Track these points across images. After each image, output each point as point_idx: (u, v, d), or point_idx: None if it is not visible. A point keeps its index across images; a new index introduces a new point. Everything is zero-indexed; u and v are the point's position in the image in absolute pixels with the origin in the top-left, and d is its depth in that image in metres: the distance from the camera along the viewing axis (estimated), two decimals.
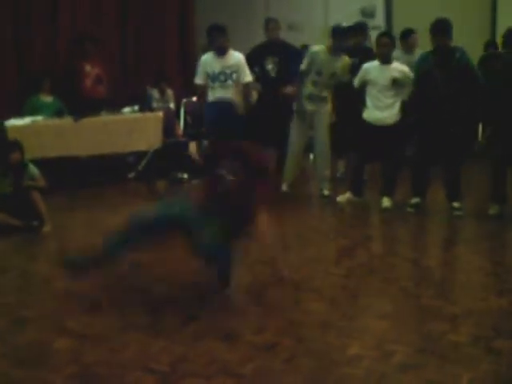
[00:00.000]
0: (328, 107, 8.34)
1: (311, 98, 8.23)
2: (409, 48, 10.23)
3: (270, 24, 9.37)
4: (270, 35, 9.31)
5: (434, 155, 7.39)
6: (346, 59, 8.31)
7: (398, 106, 7.71)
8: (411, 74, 7.75)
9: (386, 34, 8.24)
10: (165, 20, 13.17)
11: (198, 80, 8.35)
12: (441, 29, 7.33)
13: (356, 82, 7.88)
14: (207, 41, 8.42)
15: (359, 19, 11.70)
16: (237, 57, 8.19)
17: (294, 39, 8.42)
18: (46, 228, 7.29)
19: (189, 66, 12.52)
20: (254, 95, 9.17)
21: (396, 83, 7.67)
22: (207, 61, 8.23)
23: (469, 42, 11.18)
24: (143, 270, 5.66)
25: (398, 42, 10.00)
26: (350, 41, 8.59)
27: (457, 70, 7.24)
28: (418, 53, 9.49)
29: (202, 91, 8.44)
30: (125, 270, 5.78)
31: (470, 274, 5.60)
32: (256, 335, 4.28)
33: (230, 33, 8.22)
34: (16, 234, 7.14)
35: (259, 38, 8.87)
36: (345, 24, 8.34)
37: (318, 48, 8.25)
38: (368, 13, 12.47)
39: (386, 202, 7.61)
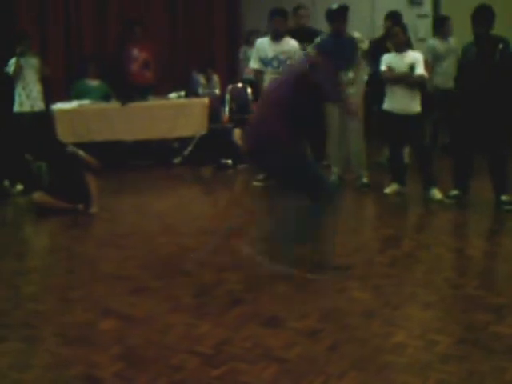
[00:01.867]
0: (358, 91, 8.23)
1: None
2: (444, 35, 10.22)
3: (301, 10, 9.29)
4: (300, 22, 9.21)
5: (475, 145, 7.33)
6: (356, 35, 8.27)
7: (418, 94, 7.71)
8: (421, 58, 7.76)
9: (397, 23, 8.16)
10: (213, 6, 13.21)
11: (253, 64, 8.30)
12: (479, 17, 7.23)
13: (383, 68, 7.84)
14: (266, 25, 8.27)
15: (407, 7, 11.64)
16: (292, 43, 8.12)
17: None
18: (94, 209, 7.39)
19: (235, 52, 12.55)
20: None
21: (411, 69, 7.65)
22: (262, 45, 8.15)
23: None
24: (188, 254, 5.69)
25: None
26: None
27: (500, 62, 7.15)
28: (454, 40, 9.47)
29: (258, 75, 8.36)
30: (170, 253, 5.85)
31: None
32: (299, 321, 4.30)
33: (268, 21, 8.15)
34: (63, 216, 7.25)
35: None
36: (334, 6, 8.16)
37: (322, 36, 8.20)
38: (416, 1, 12.36)
39: (437, 193, 7.56)
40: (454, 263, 5.75)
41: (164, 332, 4.22)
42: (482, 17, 7.20)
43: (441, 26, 10.47)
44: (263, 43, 8.16)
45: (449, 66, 9.75)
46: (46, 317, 4.57)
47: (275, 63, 8.00)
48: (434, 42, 10.36)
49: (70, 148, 7.68)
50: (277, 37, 8.04)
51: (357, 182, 8.31)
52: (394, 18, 9.10)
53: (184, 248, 5.93)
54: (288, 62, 7.94)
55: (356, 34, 8.32)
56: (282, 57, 7.99)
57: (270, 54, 8.04)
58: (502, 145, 7.25)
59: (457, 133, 7.63)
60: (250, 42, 11.79)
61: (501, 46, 7.15)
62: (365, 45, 8.34)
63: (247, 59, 11.64)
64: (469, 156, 7.37)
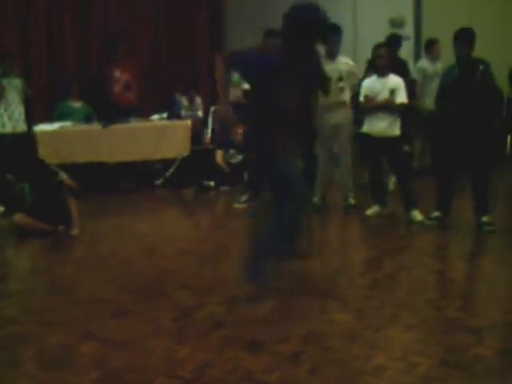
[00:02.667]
0: (347, 115, 8.30)
1: (327, 108, 8.16)
2: (433, 57, 10.35)
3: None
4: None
5: (457, 167, 7.37)
6: (347, 62, 8.31)
7: (397, 117, 7.80)
8: (403, 84, 7.83)
9: (383, 45, 8.21)
10: (196, 28, 13.25)
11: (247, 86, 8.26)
12: (461, 39, 7.31)
13: (362, 98, 7.89)
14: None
15: (389, 30, 11.71)
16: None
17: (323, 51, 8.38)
18: (75, 231, 7.37)
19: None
20: None
21: (392, 94, 7.71)
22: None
23: (499, 52, 11.19)
24: (169, 276, 5.67)
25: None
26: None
27: (480, 82, 7.22)
28: (442, 63, 9.55)
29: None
30: (151, 275, 5.83)
31: (496, 286, 5.58)
32: (280, 344, 4.28)
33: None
34: (44, 238, 7.22)
35: None
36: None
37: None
38: (397, 23, 12.45)
39: (418, 215, 7.59)
40: (435, 285, 5.75)
41: (144, 355, 4.19)
42: (464, 39, 7.27)
43: (430, 49, 10.60)
44: None
45: (435, 88, 9.82)
46: (25, 340, 4.53)
47: None
48: (424, 63, 10.49)
49: (53, 169, 7.66)
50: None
51: (344, 203, 8.35)
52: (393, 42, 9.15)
53: (164, 270, 5.91)
54: None
55: (350, 62, 8.35)
56: None
57: None
58: (484, 166, 7.29)
59: (439, 154, 7.68)
60: None
61: (481, 67, 7.21)
62: (355, 79, 8.34)
63: (230, 81, 11.64)
64: (451, 178, 7.41)
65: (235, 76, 11.68)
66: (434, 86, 9.91)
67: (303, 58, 5.22)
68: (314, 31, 5.15)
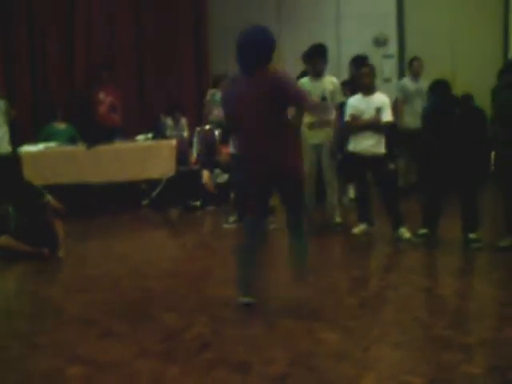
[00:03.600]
0: (331, 133, 8.29)
1: (311, 127, 8.17)
2: (414, 75, 10.41)
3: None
4: None
5: (445, 185, 7.39)
6: (331, 79, 8.29)
7: (383, 135, 7.82)
8: (388, 102, 7.90)
9: (366, 64, 8.23)
10: (181, 49, 13.28)
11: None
12: (433, 91, 7.54)
13: (347, 118, 7.90)
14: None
15: (372, 48, 11.79)
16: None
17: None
18: (60, 254, 7.33)
19: (204, 94, 12.57)
20: None
21: (378, 112, 7.76)
22: None
23: (481, 72, 11.27)
24: (155, 297, 5.63)
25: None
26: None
27: (460, 119, 7.33)
28: (425, 82, 9.58)
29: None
30: (137, 297, 5.79)
31: (484, 303, 5.56)
32: (268, 365, 4.25)
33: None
34: (29, 260, 7.17)
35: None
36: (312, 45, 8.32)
37: (304, 79, 8.28)
38: (381, 42, 12.53)
39: (406, 232, 7.59)
40: (423, 303, 5.72)
41: (132, 377, 4.15)
42: (438, 92, 7.42)
43: (410, 66, 10.68)
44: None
45: (418, 106, 9.87)
46: (11, 364, 4.48)
47: None
48: (406, 81, 10.55)
49: (39, 190, 7.61)
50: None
51: (331, 221, 8.35)
52: (358, 62, 9.14)
53: (151, 292, 5.87)
54: None
55: (334, 80, 8.35)
56: None
57: None
58: (471, 183, 7.31)
59: (424, 172, 7.70)
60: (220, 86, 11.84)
61: (457, 111, 7.33)
62: (339, 97, 8.36)
63: (215, 102, 11.70)
64: (436, 195, 7.42)
65: (217, 96, 11.76)
66: (416, 104, 10.01)
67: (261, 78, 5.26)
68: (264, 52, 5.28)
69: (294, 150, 5.35)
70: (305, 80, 8.25)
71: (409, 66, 10.90)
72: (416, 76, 10.57)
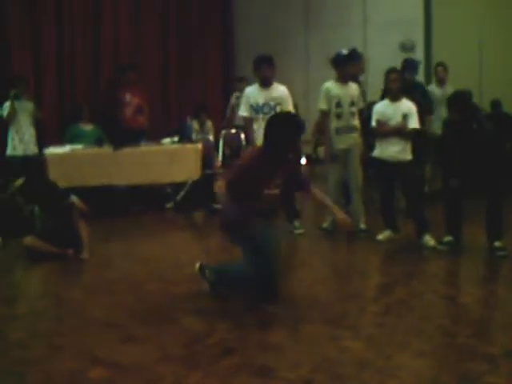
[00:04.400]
0: (358, 139, 8.31)
1: (339, 131, 8.21)
2: (440, 81, 10.35)
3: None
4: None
5: (465, 192, 7.34)
6: (355, 86, 8.41)
7: (409, 142, 7.79)
8: (415, 109, 7.85)
9: (395, 69, 8.20)
10: (207, 51, 13.32)
11: (242, 112, 8.29)
12: (452, 105, 7.39)
13: (374, 123, 7.88)
14: (254, 72, 8.28)
15: (399, 54, 11.74)
16: (281, 90, 8.12)
17: (333, 74, 8.39)
18: (85, 255, 7.35)
19: (229, 97, 12.61)
20: None
21: (404, 118, 7.75)
22: (251, 93, 8.16)
23: (508, 76, 11.20)
24: (178, 301, 5.63)
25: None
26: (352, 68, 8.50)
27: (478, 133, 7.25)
28: (450, 88, 9.52)
29: (247, 123, 8.33)
30: (161, 300, 5.79)
31: (509, 312, 5.51)
32: (291, 371, 4.23)
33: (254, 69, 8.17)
34: (54, 261, 7.21)
35: (299, 75, 8.80)
36: (344, 51, 8.33)
37: (328, 83, 8.31)
38: (408, 47, 12.49)
39: (430, 240, 7.55)
40: (447, 311, 5.69)
41: (153, 382, 4.14)
42: (456, 105, 7.34)
43: (435, 72, 10.64)
44: (253, 90, 8.16)
45: (444, 112, 9.81)
46: (32, 364, 4.49)
47: (266, 109, 7.98)
48: (432, 87, 10.50)
49: (64, 192, 7.65)
50: (266, 84, 8.06)
51: (354, 228, 8.33)
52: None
53: (174, 295, 5.87)
54: (278, 108, 7.94)
55: (357, 86, 8.38)
56: (272, 103, 7.99)
57: (261, 101, 8.03)
58: (497, 190, 7.24)
59: (447, 179, 7.64)
60: (240, 88, 11.91)
61: (474, 126, 7.23)
62: (361, 103, 8.38)
63: (238, 104, 11.73)
64: (459, 202, 7.36)
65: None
66: (442, 110, 9.95)
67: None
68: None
69: None
70: (331, 85, 8.24)
71: (434, 71, 10.86)
72: (441, 82, 10.52)
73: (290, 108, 8.03)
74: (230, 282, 5.69)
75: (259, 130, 7.84)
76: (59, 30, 11.31)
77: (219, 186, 10.28)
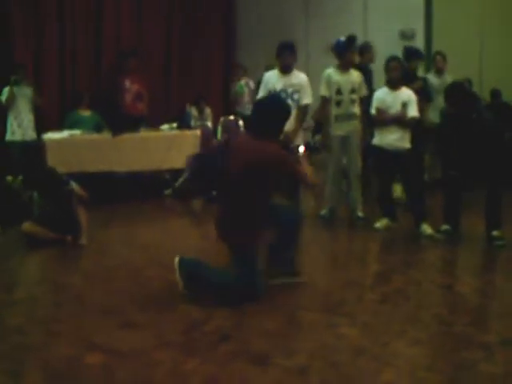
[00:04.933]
0: (358, 126, 8.31)
1: (338, 118, 8.22)
2: (438, 70, 10.32)
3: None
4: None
5: (465, 181, 7.35)
6: (356, 73, 8.41)
7: (408, 130, 7.82)
8: (414, 97, 7.87)
9: (395, 58, 8.19)
10: (208, 39, 13.31)
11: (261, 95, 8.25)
12: (449, 97, 7.40)
13: (373, 111, 7.89)
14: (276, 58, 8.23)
15: (399, 42, 11.71)
16: (301, 77, 8.06)
17: (332, 63, 8.39)
18: (83, 241, 7.36)
19: (229, 85, 12.66)
20: (309, 120, 9.16)
21: (404, 107, 7.76)
22: (270, 77, 8.11)
23: (509, 66, 11.20)
24: (177, 288, 5.64)
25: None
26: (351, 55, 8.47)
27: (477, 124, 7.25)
28: (449, 77, 9.51)
29: None
30: (159, 287, 5.81)
31: (506, 301, 5.53)
32: (287, 358, 4.26)
33: (269, 57, 8.14)
34: (52, 247, 7.22)
35: (299, 62, 8.74)
36: (343, 38, 8.32)
37: (329, 70, 8.33)
38: (408, 35, 12.46)
39: (428, 229, 7.56)
40: (443, 300, 5.70)
41: (151, 368, 4.16)
42: (452, 99, 7.33)
43: (433, 62, 10.61)
44: (272, 76, 8.09)
45: (441, 102, 9.81)
46: (30, 350, 4.51)
47: (283, 95, 7.91)
48: (430, 76, 10.45)
49: (63, 178, 7.64)
50: (286, 70, 8.00)
51: (352, 216, 8.35)
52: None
53: (172, 282, 5.87)
54: (295, 96, 7.90)
55: (359, 73, 8.40)
56: (290, 90, 7.94)
57: (279, 87, 7.97)
58: (497, 180, 7.25)
59: (447, 168, 7.65)
60: (238, 76, 11.95)
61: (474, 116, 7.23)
62: (364, 90, 8.36)
63: (237, 93, 11.79)
64: (458, 191, 7.38)
65: (239, 85, 11.83)
66: (440, 99, 9.92)
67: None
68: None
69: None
70: (332, 71, 8.24)
71: (432, 60, 10.84)
72: (440, 71, 10.50)
73: (308, 96, 7.96)
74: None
75: None
76: (60, 16, 11.26)
77: None
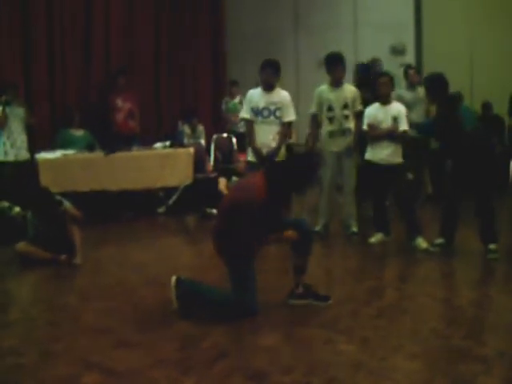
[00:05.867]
0: (352, 142, 8.31)
1: (331, 135, 8.25)
2: (410, 84, 10.36)
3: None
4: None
5: (462, 195, 7.35)
6: (351, 88, 8.44)
7: (400, 145, 7.84)
8: (405, 111, 7.96)
9: (385, 73, 8.24)
10: (198, 58, 13.33)
11: (243, 114, 8.25)
12: (430, 87, 7.54)
13: (365, 127, 7.91)
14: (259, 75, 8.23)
15: (389, 57, 11.77)
16: (283, 95, 8.09)
17: (323, 78, 8.41)
18: (77, 260, 7.34)
19: (220, 102, 12.68)
20: (294, 136, 9.17)
21: (395, 121, 7.77)
22: (253, 95, 8.13)
23: (499, 79, 11.25)
24: (172, 307, 5.62)
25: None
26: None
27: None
28: (422, 90, 9.56)
29: (248, 125, 8.22)
30: (154, 305, 5.79)
31: (502, 314, 5.53)
32: (285, 375, 4.23)
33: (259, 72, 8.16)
34: (46, 267, 7.19)
35: (289, 78, 8.77)
36: (330, 53, 8.37)
37: (321, 87, 8.38)
38: (398, 50, 12.52)
39: (423, 243, 7.57)
40: (440, 313, 5.70)
41: None
42: (434, 88, 7.46)
43: (407, 76, 10.65)
44: (255, 94, 8.12)
45: (417, 116, 9.84)
46: (26, 371, 4.47)
47: (265, 113, 7.96)
48: (401, 91, 10.42)
49: (56, 198, 7.63)
50: (268, 88, 8.04)
51: (346, 231, 8.35)
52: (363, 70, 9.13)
53: (167, 300, 5.85)
54: (278, 113, 7.94)
55: (353, 88, 8.42)
56: (272, 107, 7.97)
57: (261, 105, 8.01)
58: (486, 193, 7.26)
59: (444, 183, 7.68)
60: (232, 93, 11.98)
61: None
62: (358, 105, 8.36)
63: (227, 110, 11.82)
64: (455, 204, 7.39)
65: (232, 103, 11.85)
66: (414, 113, 9.92)
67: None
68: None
69: None
70: (323, 88, 8.28)
71: (404, 74, 10.83)
72: (412, 85, 10.52)
73: (291, 114, 8.02)
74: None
75: (258, 133, 8.01)
76: (49, 34, 11.24)
77: (222, 184, 10.31)
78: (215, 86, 13.82)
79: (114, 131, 11.24)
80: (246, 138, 8.35)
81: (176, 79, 13.03)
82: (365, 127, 7.92)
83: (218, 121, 12.89)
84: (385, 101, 7.86)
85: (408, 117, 9.81)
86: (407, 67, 10.85)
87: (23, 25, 10.95)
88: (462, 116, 7.51)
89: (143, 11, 12.64)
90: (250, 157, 8.16)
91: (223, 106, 12.47)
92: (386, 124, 7.77)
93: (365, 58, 11.22)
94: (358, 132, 8.22)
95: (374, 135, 7.82)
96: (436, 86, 7.40)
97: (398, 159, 7.79)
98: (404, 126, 7.76)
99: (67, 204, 7.59)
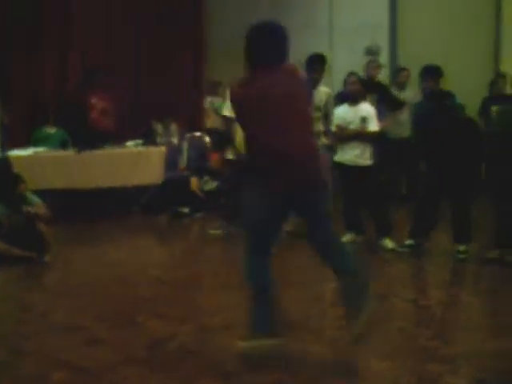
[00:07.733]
0: (322, 143, 8.31)
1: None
2: (400, 85, 10.42)
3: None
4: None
5: (437, 196, 7.39)
6: (325, 90, 8.42)
7: (368, 146, 7.84)
8: (374, 112, 7.88)
9: (353, 73, 8.28)
10: (177, 57, 13.25)
11: (225, 112, 8.16)
12: (429, 74, 7.61)
13: (333, 128, 7.94)
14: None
15: (364, 58, 11.78)
16: None
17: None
18: (47, 258, 7.30)
19: (198, 101, 12.64)
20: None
21: (364, 121, 7.76)
22: None
23: (471, 83, 11.33)
24: (142, 304, 5.63)
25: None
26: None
27: (453, 114, 7.36)
28: (412, 90, 9.64)
29: (229, 123, 8.09)
30: (124, 304, 5.79)
31: (469, 314, 5.59)
32: (253, 375, 4.25)
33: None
34: (16, 265, 7.15)
35: None
36: (312, 54, 8.38)
37: None
38: (373, 51, 12.54)
39: (390, 243, 7.62)
40: (408, 313, 5.74)
41: None
42: (434, 75, 7.54)
43: (397, 77, 10.70)
44: None
45: (404, 117, 9.91)
46: None
47: None
48: (391, 91, 10.51)
49: (27, 194, 7.60)
50: None
51: None
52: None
53: (138, 299, 5.87)
54: None
55: (327, 90, 8.43)
56: None
57: None
58: (464, 195, 7.30)
59: (418, 182, 7.73)
60: (217, 93, 11.91)
61: (448, 101, 7.36)
62: (332, 108, 8.37)
63: (216, 110, 11.75)
64: (429, 206, 7.41)
65: (215, 104, 11.81)
66: (401, 114, 10.00)
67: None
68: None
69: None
70: None
71: (395, 75, 10.91)
72: (402, 85, 10.59)
73: None
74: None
75: (238, 131, 7.90)
76: (27, 31, 11.13)
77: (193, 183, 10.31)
78: (194, 85, 13.76)
79: (87, 129, 11.17)
80: (225, 136, 8.32)
81: (155, 79, 12.94)
82: (333, 128, 7.93)
83: (198, 120, 12.84)
84: (353, 101, 7.87)
85: (398, 116, 9.96)
86: (401, 69, 10.89)
87: (0, 24, 10.88)
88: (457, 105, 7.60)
89: (123, 10, 12.57)
90: (231, 155, 8.14)
91: (207, 106, 12.38)
92: (355, 125, 7.77)
93: (340, 59, 11.26)
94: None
95: (342, 136, 7.83)
96: (433, 71, 7.51)
97: (367, 161, 7.78)
98: (373, 126, 7.76)
99: (37, 201, 7.56)
